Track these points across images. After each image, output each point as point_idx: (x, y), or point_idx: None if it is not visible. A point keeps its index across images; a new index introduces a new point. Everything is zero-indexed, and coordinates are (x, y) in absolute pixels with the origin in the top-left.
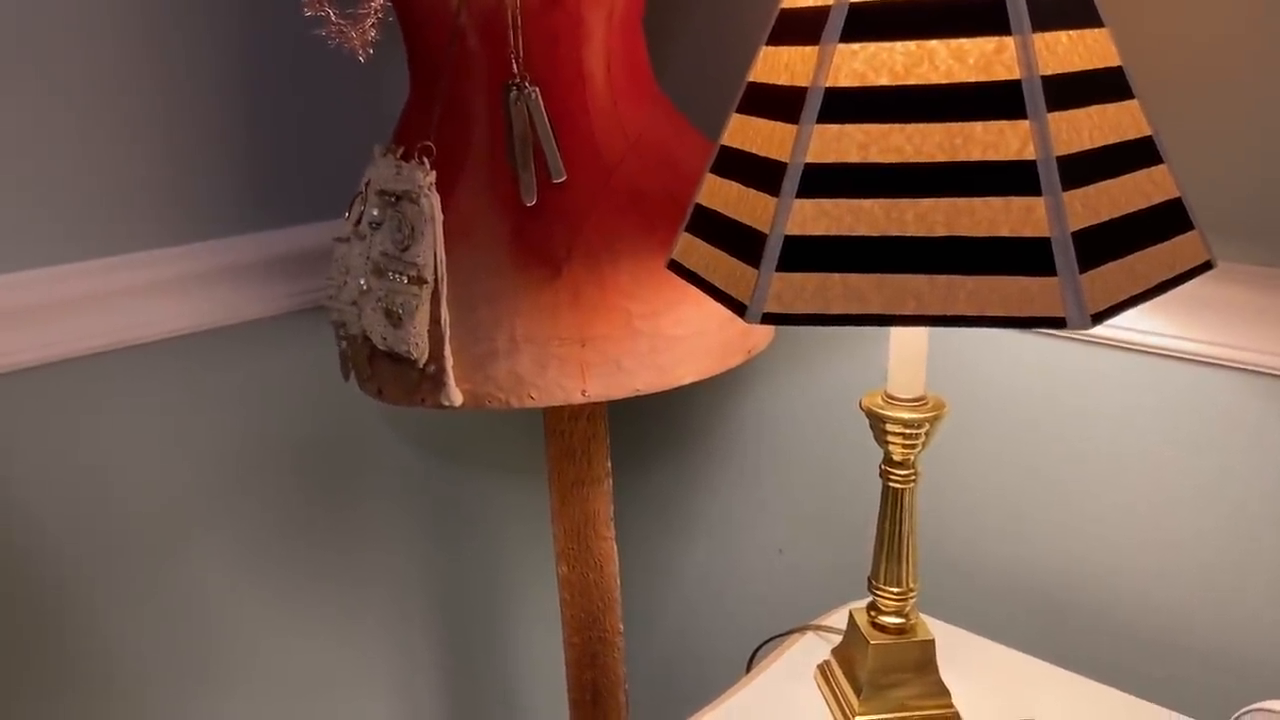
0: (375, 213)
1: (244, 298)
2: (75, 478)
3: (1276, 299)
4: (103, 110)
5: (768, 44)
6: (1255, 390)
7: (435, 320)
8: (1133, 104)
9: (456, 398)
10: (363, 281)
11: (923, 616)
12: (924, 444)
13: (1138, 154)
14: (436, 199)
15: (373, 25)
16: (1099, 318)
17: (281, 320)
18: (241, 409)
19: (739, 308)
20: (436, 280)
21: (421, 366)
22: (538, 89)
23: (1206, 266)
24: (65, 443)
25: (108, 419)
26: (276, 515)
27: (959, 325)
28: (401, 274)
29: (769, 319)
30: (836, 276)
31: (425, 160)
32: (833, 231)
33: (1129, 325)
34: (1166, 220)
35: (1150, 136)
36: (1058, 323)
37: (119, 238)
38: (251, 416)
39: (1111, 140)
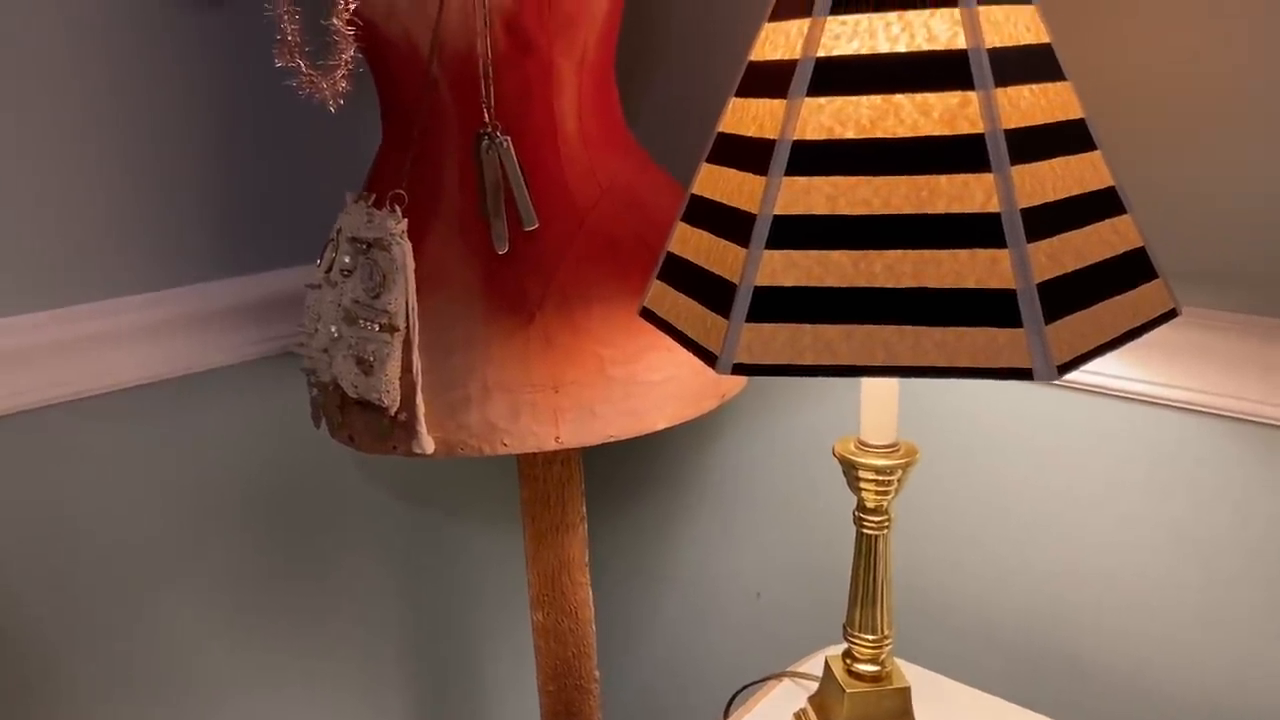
0: (347, 260)
1: (215, 344)
2: (44, 526)
3: (1245, 344)
4: (70, 157)
5: (737, 95)
6: (1223, 434)
7: (407, 368)
8: (1095, 155)
9: (428, 446)
10: (334, 329)
11: (898, 661)
12: (897, 490)
13: (1101, 204)
14: (408, 247)
15: (343, 77)
16: (1065, 368)
17: (253, 366)
18: (213, 456)
19: (710, 358)
20: (408, 328)
21: (393, 414)
22: (509, 138)
23: (1171, 314)
24: (34, 491)
25: (78, 467)
26: (248, 562)
27: (928, 376)
28: (373, 321)
29: (739, 370)
30: (807, 327)
31: (397, 208)
32: (802, 282)
33: (1099, 370)
34: (1130, 269)
35: (1113, 187)
36: (1024, 374)
37: (88, 285)
38: (224, 463)
39: (1075, 191)
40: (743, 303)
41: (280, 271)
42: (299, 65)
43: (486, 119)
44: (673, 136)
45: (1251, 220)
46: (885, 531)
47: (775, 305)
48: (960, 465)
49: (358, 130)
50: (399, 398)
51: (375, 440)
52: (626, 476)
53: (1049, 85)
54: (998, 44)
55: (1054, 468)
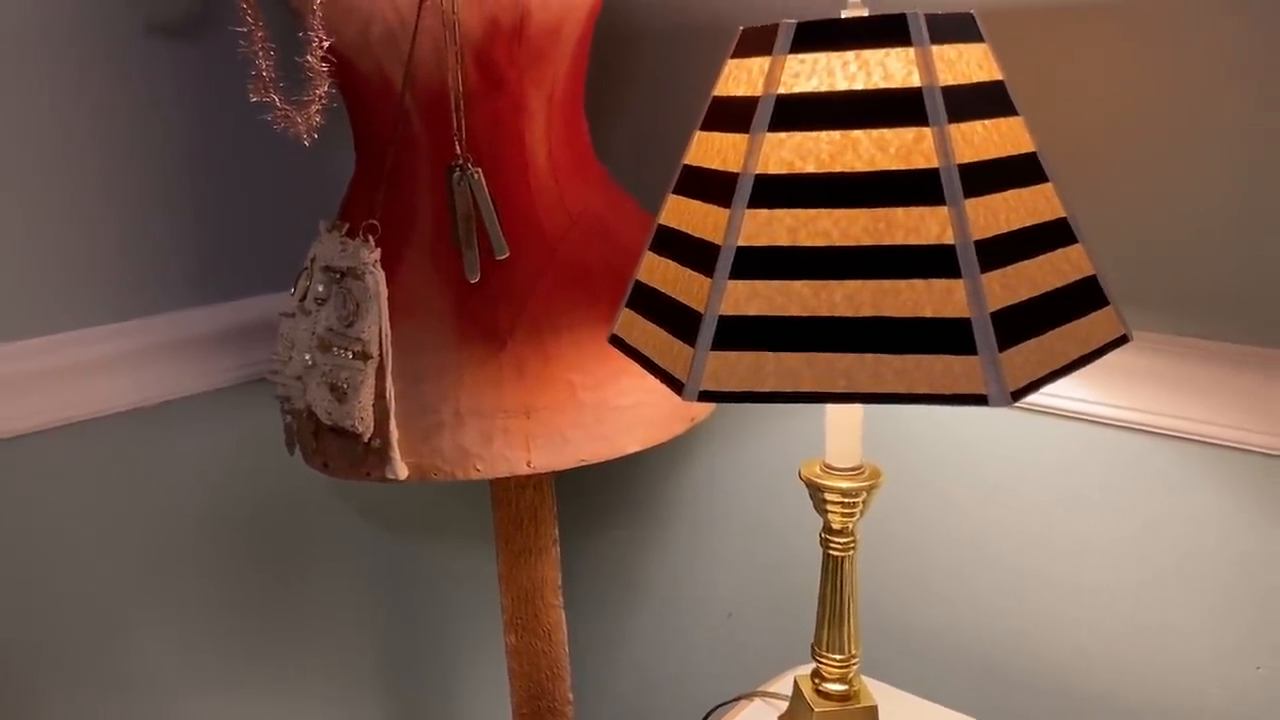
0: (321, 288)
1: (190, 371)
2: (19, 555)
3: (1195, 368)
4: (45, 186)
5: (701, 129)
6: (1175, 454)
7: (380, 395)
8: (1047, 187)
9: (401, 471)
10: (308, 357)
11: (866, 680)
12: (862, 512)
13: (1053, 235)
14: (381, 275)
15: (317, 111)
16: (1019, 394)
17: (228, 393)
18: (188, 481)
19: (676, 385)
20: (381, 355)
21: (366, 441)
22: (480, 170)
23: (1122, 340)
24: (9, 519)
25: (54, 493)
26: (224, 586)
27: (887, 402)
28: (346, 349)
29: (705, 396)
30: (770, 355)
31: (370, 238)
32: (765, 311)
33: (1060, 393)
34: (1082, 298)
35: (1064, 218)
36: (980, 400)
37: (63, 314)
38: (198, 489)
39: (1027, 223)
40: (708, 331)
41: (254, 299)
42: (274, 100)
43: (458, 151)
44: (643, 167)
45: (1202, 248)
46: (851, 553)
47: (739, 333)
48: (927, 487)
49: (331, 160)
50: (372, 424)
51: (349, 466)
52: (599, 500)
53: (1001, 120)
54: (951, 81)
55: (1018, 488)
